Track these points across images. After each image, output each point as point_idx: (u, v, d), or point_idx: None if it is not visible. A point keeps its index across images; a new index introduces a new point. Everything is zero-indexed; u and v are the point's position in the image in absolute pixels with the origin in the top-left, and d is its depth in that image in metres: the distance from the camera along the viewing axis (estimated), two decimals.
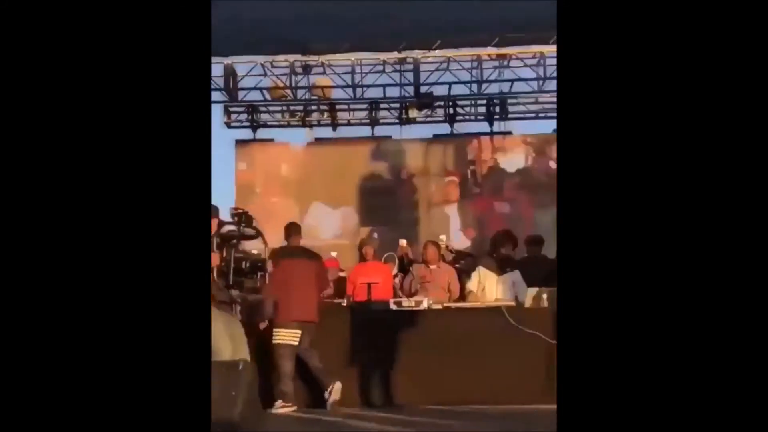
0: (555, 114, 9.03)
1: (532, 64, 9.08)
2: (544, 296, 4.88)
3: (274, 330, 4.70)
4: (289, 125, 9.56)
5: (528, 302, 4.97)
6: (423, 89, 8.95)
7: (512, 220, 8.71)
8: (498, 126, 9.37)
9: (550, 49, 8.57)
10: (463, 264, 6.29)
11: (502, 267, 5.54)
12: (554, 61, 8.49)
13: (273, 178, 9.38)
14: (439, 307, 5.17)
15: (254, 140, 9.46)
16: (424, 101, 9.00)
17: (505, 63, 9.09)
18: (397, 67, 9.04)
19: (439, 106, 9.20)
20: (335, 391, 4.55)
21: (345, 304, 5.60)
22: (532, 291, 4.98)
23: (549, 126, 9.40)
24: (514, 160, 9.39)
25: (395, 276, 6.05)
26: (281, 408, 4.53)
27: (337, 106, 9.38)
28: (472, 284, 5.43)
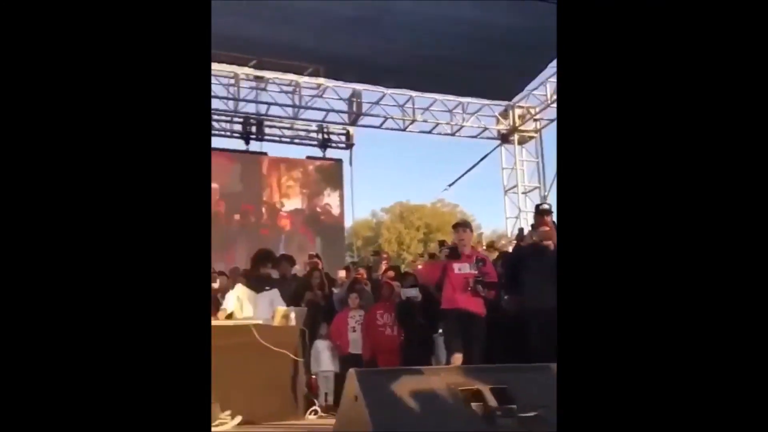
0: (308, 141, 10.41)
1: (288, 91, 9.74)
2: (292, 315, 4.92)
3: None
4: None
5: (277, 320, 4.89)
6: None
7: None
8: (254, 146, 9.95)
9: (306, 80, 9.48)
10: (219, 283, 6.35)
11: (260, 285, 5.62)
12: (307, 92, 9.64)
13: None
14: None
15: None
16: None
17: (263, 86, 9.55)
18: None
19: None
20: None
21: None
22: (281, 309, 4.96)
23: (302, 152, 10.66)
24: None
25: None
26: None
27: None
28: (228, 302, 5.31)
